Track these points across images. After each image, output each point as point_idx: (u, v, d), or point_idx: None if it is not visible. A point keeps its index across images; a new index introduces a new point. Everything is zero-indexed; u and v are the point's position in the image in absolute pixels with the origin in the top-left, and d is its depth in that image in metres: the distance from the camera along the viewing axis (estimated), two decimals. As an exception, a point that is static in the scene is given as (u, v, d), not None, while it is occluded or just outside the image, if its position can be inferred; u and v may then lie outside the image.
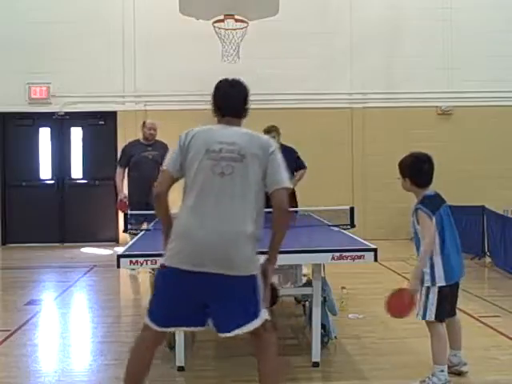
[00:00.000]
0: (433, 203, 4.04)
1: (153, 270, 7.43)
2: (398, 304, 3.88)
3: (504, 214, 9.21)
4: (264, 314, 3.17)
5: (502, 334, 5.15)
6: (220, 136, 3.27)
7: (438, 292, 3.95)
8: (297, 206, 7.33)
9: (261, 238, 3.21)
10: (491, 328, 5.15)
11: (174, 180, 3.29)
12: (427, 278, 3.98)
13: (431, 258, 3.97)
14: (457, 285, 4.10)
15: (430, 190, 4.14)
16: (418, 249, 4.06)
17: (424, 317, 3.98)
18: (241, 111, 3.40)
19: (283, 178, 3.22)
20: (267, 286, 3.26)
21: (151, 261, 3.90)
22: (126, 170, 8.28)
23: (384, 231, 11.00)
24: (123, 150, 8.49)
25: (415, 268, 4.00)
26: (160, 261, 3.27)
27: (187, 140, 3.28)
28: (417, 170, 4.12)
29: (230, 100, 3.38)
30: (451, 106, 11.73)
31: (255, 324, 3.13)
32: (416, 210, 4.04)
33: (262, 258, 3.26)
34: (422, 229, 3.98)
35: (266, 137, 3.41)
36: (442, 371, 3.95)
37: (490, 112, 11.60)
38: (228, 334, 3.14)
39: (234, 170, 3.17)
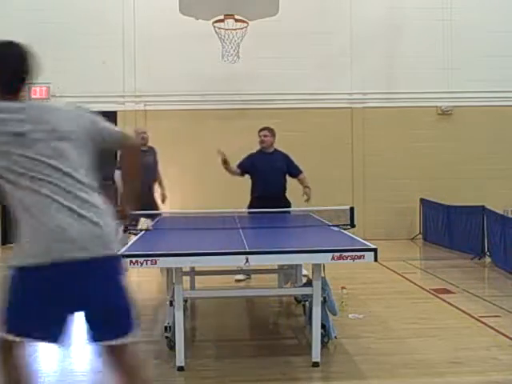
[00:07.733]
0: None
1: None
2: None
3: (504, 214, 9.21)
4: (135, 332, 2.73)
5: (502, 334, 5.13)
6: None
7: None
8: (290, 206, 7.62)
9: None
10: (491, 328, 5.15)
11: None
12: None
13: None
14: None
15: None
16: None
17: None
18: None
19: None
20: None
21: (151, 261, 3.93)
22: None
23: (384, 231, 10.99)
24: None
25: None
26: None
27: None
28: None
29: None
30: (451, 105, 11.72)
31: (127, 337, 2.70)
32: None
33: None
34: None
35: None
36: None
37: (490, 112, 11.59)
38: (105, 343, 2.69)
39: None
